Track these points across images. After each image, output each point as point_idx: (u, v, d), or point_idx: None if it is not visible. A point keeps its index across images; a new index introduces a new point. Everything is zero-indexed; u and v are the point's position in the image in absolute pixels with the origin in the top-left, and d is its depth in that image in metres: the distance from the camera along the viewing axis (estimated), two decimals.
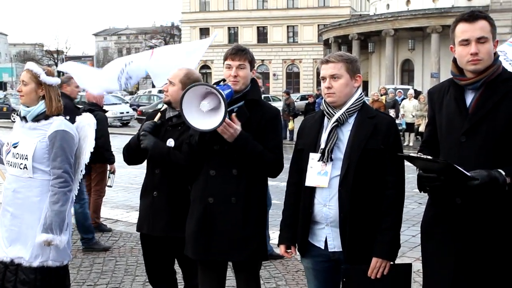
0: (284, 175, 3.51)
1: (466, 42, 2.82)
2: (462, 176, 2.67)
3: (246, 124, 3.45)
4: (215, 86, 3.30)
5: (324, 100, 3.25)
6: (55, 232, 3.54)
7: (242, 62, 3.50)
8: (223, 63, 3.60)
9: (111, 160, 7.54)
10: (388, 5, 46.94)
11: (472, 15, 2.84)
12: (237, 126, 3.35)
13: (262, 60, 59.24)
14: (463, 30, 2.84)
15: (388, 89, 23.90)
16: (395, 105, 20.25)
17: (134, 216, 8.20)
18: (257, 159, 3.43)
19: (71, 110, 6.25)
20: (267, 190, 3.74)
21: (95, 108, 7.27)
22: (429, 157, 2.81)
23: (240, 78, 3.49)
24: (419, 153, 2.88)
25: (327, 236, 3.16)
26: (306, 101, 26.18)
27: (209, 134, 3.34)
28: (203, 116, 3.25)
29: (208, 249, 3.47)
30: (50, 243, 3.55)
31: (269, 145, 3.49)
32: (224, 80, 3.54)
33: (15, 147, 3.67)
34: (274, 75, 60.36)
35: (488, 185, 2.66)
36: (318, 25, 56.20)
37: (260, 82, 8.87)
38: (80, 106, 7.47)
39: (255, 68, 3.69)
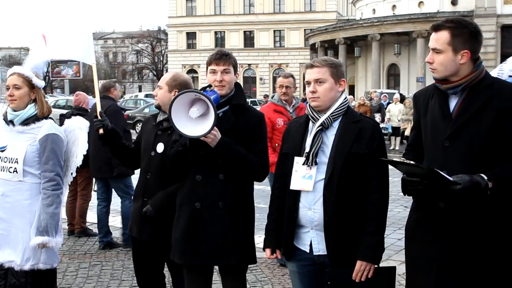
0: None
1: (432, 51, 2.95)
2: (444, 181, 2.71)
3: (232, 129, 3.45)
4: (204, 93, 3.30)
5: (309, 105, 3.27)
6: (51, 234, 3.57)
7: (226, 67, 3.51)
8: (207, 68, 3.60)
9: None
10: (374, 9, 47.21)
11: (435, 26, 2.93)
12: (217, 132, 3.35)
13: (249, 65, 59.31)
14: (430, 39, 2.96)
15: (374, 92, 24.04)
16: (381, 109, 20.36)
17: (119, 221, 8.15)
18: (241, 163, 3.44)
19: (117, 112, 6.86)
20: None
21: (83, 112, 7.26)
22: (412, 162, 2.84)
23: (225, 83, 3.50)
24: (402, 158, 2.91)
25: (312, 239, 3.17)
26: None
27: (197, 140, 3.35)
28: (192, 122, 3.26)
29: (196, 253, 3.47)
30: (45, 245, 3.57)
31: (254, 149, 3.50)
32: (210, 86, 3.55)
33: (2, 151, 3.66)
34: (260, 79, 60.42)
35: (470, 190, 2.69)
36: (305, 29, 56.38)
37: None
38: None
39: (241, 72, 3.70)
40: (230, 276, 3.61)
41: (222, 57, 3.53)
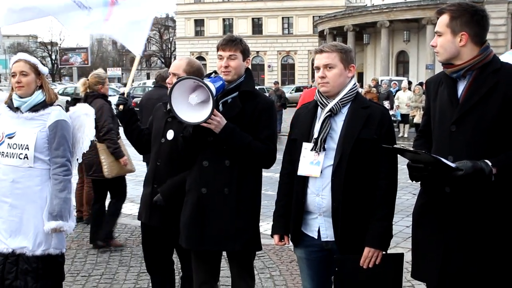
0: (278, 166, 3.51)
1: (436, 34, 2.98)
2: (446, 167, 2.70)
3: (239, 116, 3.45)
4: (203, 79, 3.30)
5: (318, 90, 3.25)
6: (65, 218, 3.64)
7: (233, 53, 3.49)
8: (217, 53, 3.59)
9: None
10: None
11: (439, 11, 2.97)
12: (221, 118, 3.35)
13: (257, 52, 59.16)
14: (437, 23, 2.99)
15: (382, 80, 23.86)
16: (389, 96, 20.24)
17: (128, 208, 8.19)
18: (245, 150, 3.43)
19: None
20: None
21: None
22: (412, 149, 2.84)
23: (231, 69, 3.48)
24: (402, 145, 2.90)
25: (320, 226, 3.17)
26: (301, 93, 25.91)
27: (202, 126, 3.34)
28: (192, 109, 3.26)
29: (201, 239, 3.48)
30: (59, 230, 3.63)
31: (261, 136, 3.49)
32: (215, 72, 3.53)
33: (10, 138, 3.67)
34: (269, 66, 60.32)
35: (473, 176, 2.69)
36: (313, 16, 56.10)
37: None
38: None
39: (249, 61, 3.67)
40: (237, 262, 3.62)
41: (228, 43, 3.50)
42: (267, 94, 20.83)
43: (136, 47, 4.40)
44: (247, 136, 3.43)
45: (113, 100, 5.16)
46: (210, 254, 3.63)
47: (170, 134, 3.86)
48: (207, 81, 3.30)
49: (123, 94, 4.08)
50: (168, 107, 3.92)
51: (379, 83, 23.14)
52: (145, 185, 4.05)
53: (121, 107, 4.03)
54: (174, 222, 3.71)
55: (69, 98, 7.33)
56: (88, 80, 6.59)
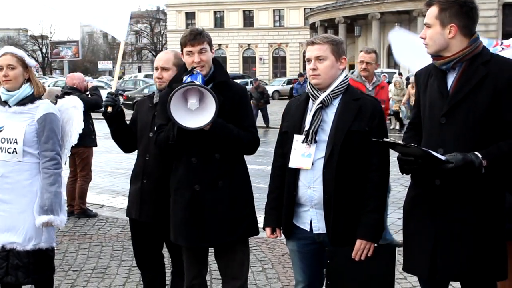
0: (270, 159, 3.50)
1: (425, 26, 2.97)
2: (436, 160, 2.70)
3: (220, 107, 3.37)
4: (197, 83, 3.22)
5: (309, 82, 3.23)
6: (56, 212, 3.61)
7: (202, 46, 3.44)
8: (181, 50, 3.51)
9: (94, 144, 7.57)
10: None
11: (427, 2, 2.95)
12: None
13: (249, 44, 59.06)
14: (426, 15, 2.97)
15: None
16: None
17: (120, 202, 8.19)
18: (235, 141, 3.42)
19: None
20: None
21: (74, 92, 7.22)
22: (401, 142, 2.84)
23: (204, 63, 3.44)
24: (392, 139, 2.89)
25: (312, 218, 3.16)
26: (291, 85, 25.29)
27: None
28: (191, 114, 3.22)
29: (201, 235, 3.46)
30: (50, 224, 3.61)
31: (244, 124, 3.49)
32: (193, 68, 3.42)
33: None
34: (260, 59, 60.21)
35: (463, 168, 2.69)
36: (305, 8, 56.03)
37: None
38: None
39: (240, 52, 3.64)
40: (235, 249, 3.58)
41: (196, 37, 3.44)
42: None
43: (119, 32, 4.32)
44: (235, 127, 3.42)
45: (103, 93, 5.10)
46: (202, 248, 3.62)
47: None
48: (196, 81, 3.25)
49: (111, 93, 3.87)
50: (155, 101, 3.88)
51: None
52: (133, 180, 4.00)
53: (109, 108, 3.83)
54: (164, 216, 3.69)
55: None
56: None
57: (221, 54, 57.50)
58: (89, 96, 7.59)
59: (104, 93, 4.82)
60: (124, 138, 4.05)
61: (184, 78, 3.33)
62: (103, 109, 3.90)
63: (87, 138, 7.24)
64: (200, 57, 3.43)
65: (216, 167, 3.45)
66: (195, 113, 3.22)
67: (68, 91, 7.36)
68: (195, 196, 3.46)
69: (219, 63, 3.63)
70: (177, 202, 3.54)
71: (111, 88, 4.00)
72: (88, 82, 8.03)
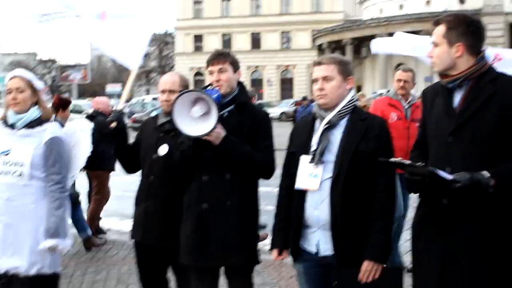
0: (277, 180, 3.48)
1: (433, 45, 2.97)
2: (443, 180, 2.68)
3: (238, 128, 3.44)
4: (204, 91, 3.28)
5: (316, 102, 3.22)
6: (61, 236, 3.57)
7: (221, 66, 3.50)
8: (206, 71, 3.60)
9: (113, 168, 7.50)
10: (381, 9, 47.15)
11: (435, 21, 2.96)
12: (221, 130, 3.34)
13: (256, 66, 59.34)
14: (433, 33, 2.98)
15: (382, 93, 23.80)
16: None
17: (127, 225, 8.09)
18: (246, 161, 3.42)
19: None
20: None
21: (99, 116, 7.30)
22: (408, 162, 2.81)
23: (223, 82, 3.48)
24: (400, 158, 2.86)
25: (319, 240, 3.12)
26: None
27: (201, 140, 3.32)
28: (194, 122, 3.25)
29: (205, 254, 3.44)
30: (55, 249, 3.56)
31: (259, 147, 3.48)
32: (210, 84, 3.53)
33: (6, 155, 3.62)
34: (268, 81, 60.45)
35: (471, 188, 2.66)
36: (312, 30, 56.35)
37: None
38: None
39: (248, 74, 3.65)
40: (237, 277, 3.58)
41: (216, 57, 3.52)
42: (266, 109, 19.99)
43: (132, 61, 4.34)
44: (247, 147, 3.42)
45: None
46: (211, 271, 3.58)
47: (163, 150, 3.80)
48: (213, 96, 3.29)
49: (116, 111, 3.95)
50: (159, 122, 3.89)
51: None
52: (138, 202, 3.99)
53: (113, 124, 3.89)
54: (169, 237, 3.66)
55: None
56: None
57: None
58: None
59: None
60: (127, 157, 4.05)
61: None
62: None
63: (107, 162, 7.24)
64: (219, 76, 3.48)
65: (226, 186, 3.44)
66: (198, 122, 3.24)
67: (93, 114, 7.38)
68: (202, 215, 3.45)
69: (243, 86, 3.66)
70: (186, 219, 3.54)
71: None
72: (112, 106, 8.14)
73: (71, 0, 4.38)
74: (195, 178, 3.51)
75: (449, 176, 2.68)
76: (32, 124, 3.66)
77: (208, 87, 3.48)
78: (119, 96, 63.63)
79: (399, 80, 6.08)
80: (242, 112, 3.49)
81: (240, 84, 3.62)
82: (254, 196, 3.59)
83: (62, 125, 4.09)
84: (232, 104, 3.50)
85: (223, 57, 3.53)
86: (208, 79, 3.58)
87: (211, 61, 3.53)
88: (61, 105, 6.84)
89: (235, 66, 3.57)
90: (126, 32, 4.34)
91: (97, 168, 7.14)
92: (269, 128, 3.62)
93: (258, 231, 3.62)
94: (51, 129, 3.69)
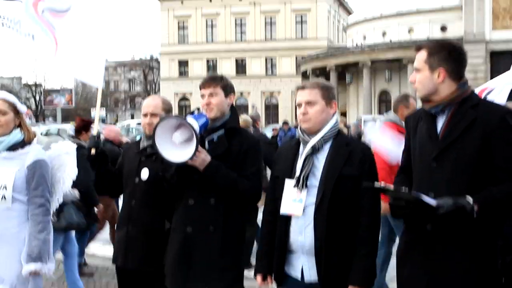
0: (262, 205, 3.47)
1: (414, 70, 3.01)
2: (427, 205, 2.69)
3: (226, 153, 3.44)
4: (185, 118, 3.30)
5: (300, 127, 3.23)
6: (44, 260, 3.52)
7: (212, 90, 3.51)
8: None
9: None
10: (364, 36, 47.76)
11: (417, 47, 3.00)
12: (206, 155, 3.34)
13: (241, 93, 59.55)
14: (415, 59, 3.01)
15: (364, 120, 23.86)
16: (360, 137, 20.16)
17: (110, 250, 8.03)
18: (230, 187, 3.41)
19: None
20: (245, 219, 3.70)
21: (106, 144, 7.45)
22: (392, 187, 2.82)
23: (213, 106, 3.49)
24: (382, 183, 2.88)
25: (303, 265, 3.10)
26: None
27: (184, 165, 3.32)
28: (176, 147, 3.25)
29: (186, 278, 3.43)
30: (38, 272, 3.51)
31: (246, 173, 3.47)
32: (198, 109, 3.54)
33: None
34: (252, 107, 60.60)
35: (454, 213, 2.67)
36: (296, 57, 56.82)
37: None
38: None
39: (233, 97, 3.65)
40: None
41: (208, 81, 3.55)
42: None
43: (95, 80, 4.33)
44: (233, 173, 3.41)
45: None
46: None
47: (144, 174, 3.79)
48: (190, 118, 3.30)
49: (93, 136, 3.95)
50: (141, 146, 3.89)
51: (348, 124, 22.90)
52: (119, 226, 3.97)
53: (93, 150, 3.89)
54: (151, 262, 3.63)
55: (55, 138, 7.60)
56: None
57: None
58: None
59: None
60: (108, 181, 4.04)
61: (187, 117, 3.37)
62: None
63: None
64: (209, 100, 3.49)
65: (210, 211, 3.43)
66: (180, 148, 3.24)
67: (101, 141, 7.44)
68: (186, 238, 3.44)
69: (235, 111, 3.66)
70: (171, 242, 3.53)
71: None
72: (122, 136, 8.63)
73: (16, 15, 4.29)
74: (182, 201, 3.51)
75: (433, 202, 2.68)
76: (14, 147, 3.64)
77: (195, 111, 3.49)
78: (103, 120, 63.13)
79: (407, 108, 5.93)
80: (232, 137, 3.50)
81: (232, 108, 3.62)
82: (240, 222, 3.56)
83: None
84: (222, 128, 3.50)
85: (215, 81, 3.54)
86: (193, 103, 3.60)
87: (203, 85, 3.56)
88: (84, 127, 6.86)
89: (227, 90, 3.58)
90: (81, 49, 4.30)
91: (101, 193, 7.09)
92: (257, 154, 3.61)
93: (242, 258, 3.59)
94: (34, 152, 3.67)
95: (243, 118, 7.55)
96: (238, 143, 3.50)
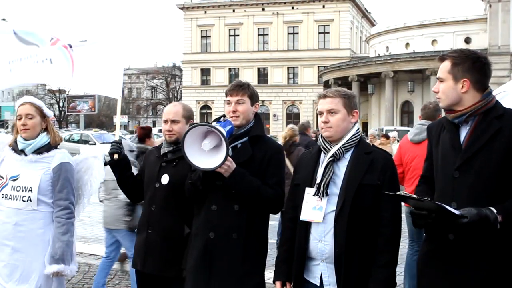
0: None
1: (438, 80, 3.00)
2: (450, 215, 2.67)
3: (249, 161, 3.45)
4: (215, 125, 3.31)
5: (321, 135, 3.25)
6: (66, 262, 3.60)
7: (240, 97, 3.52)
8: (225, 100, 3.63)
9: None
10: (387, 47, 47.57)
11: (440, 57, 2.99)
12: (231, 162, 3.35)
13: (263, 101, 59.61)
14: (439, 69, 2.99)
15: (388, 130, 23.70)
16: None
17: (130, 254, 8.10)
18: (254, 194, 3.41)
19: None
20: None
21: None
22: (415, 196, 2.82)
23: (239, 113, 3.51)
24: (405, 192, 2.87)
25: (322, 272, 3.11)
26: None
27: (211, 171, 3.33)
28: (205, 155, 3.27)
29: (208, 284, 3.44)
30: (60, 274, 3.59)
31: (270, 181, 3.48)
32: (224, 116, 3.55)
33: (14, 180, 3.67)
34: (274, 115, 60.70)
35: (478, 223, 2.65)
36: (318, 66, 56.82)
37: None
38: None
39: (258, 106, 3.67)
40: None
41: (236, 88, 3.55)
42: None
43: (113, 91, 4.37)
44: (257, 181, 3.42)
45: None
46: None
47: (165, 179, 3.82)
48: (217, 125, 3.32)
49: (115, 142, 3.94)
50: (162, 151, 3.92)
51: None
52: (139, 231, 4.00)
53: (116, 155, 3.90)
54: (169, 268, 3.66)
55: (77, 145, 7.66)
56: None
57: None
58: None
59: None
60: (129, 186, 4.07)
61: (213, 124, 3.39)
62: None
63: None
64: (236, 107, 3.51)
65: (234, 218, 3.44)
66: (208, 155, 3.26)
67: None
68: (208, 244, 3.45)
69: (259, 119, 3.67)
70: (192, 248, 3.54)
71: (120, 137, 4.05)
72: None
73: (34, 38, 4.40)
74: (204, 207, 3.52)
75: (456, 211, 2.67)
76: (40, 150, 3.72)
77: (221, 119, 3.51)
78: (125, 127, 63.56)
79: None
80: (255, 145, 3.51)
81: (256, 116, 3.64)
82: (262, 230, 3.57)
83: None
84: (246, 135, 3.52)
85: (242, 89, 3.55)
86: (215, 111, 3.60)
87: (230, 91, 3.56)
88: (146, 135, 6.97)
89: (254, 99, 3.60)
90: (96, 63, 4.34)
91: None
92: (281, 162, 3.63)
93: (264, 265, 3.59)
94: (59, 155, 3.74)
95: (290, 127, 8.17)
96: (262, 150, 3.52)
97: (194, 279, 3.49)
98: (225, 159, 3.21)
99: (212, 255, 3.44)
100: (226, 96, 3.60)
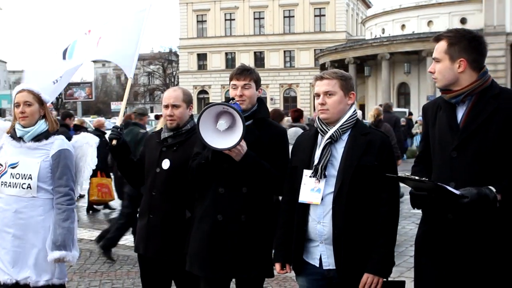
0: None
1: (433, 60, 2.99)
2: (451, 195, 2.69)
3: (256, 143, 3.46)
4: (231, 105, 3.30)
5: (318, 117, 3.26)
6: (68, 248, 3.63)
7: (247, 82, 3.54)
8: (229, 84, 3.62)
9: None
10: (383, 29, 47.37)
11: (436, 37, 2.98)
12: (242, 145, 3.35)
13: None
14: (434, 49, 2.98)
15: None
16: (396, 123, 19.97)
17: (131, 239, 8.14)
18: (265, 177, 3.45)
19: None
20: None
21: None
22: (416, 177, 2.83)
23: (246, 97, 3.53)
24: (405, 174, 2.89)
25: (322, 253, 3.14)
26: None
27: (220, 153, 3.34)
28: (219, 135, 3.28)
29: (217, 266, 3.47)
30: (62, 260, 3.62)
31: (277, 163, 3.50)
32: (232, 99, 3.54)
33: (13, 168, 3.67)
34: (271, 99, 60.56)
35: (478, 202, 2.67)
36: (315, 49, 56.56)
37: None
38: None
39: (261, 90, 3.70)
40: (249, 286, 3.59)
41: (243, 72, 3.56)
42: None
43: (127, 69, 4.38)
44: (266, 163, 3.45)
45: None
46: (221, 281, 3.58)
47: (165, 164, 3.83)
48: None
49: (116, 127, 3.93)
50: (162, 136, 3.93)
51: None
52: (140, 216, 4.02)
53: (114, 141, 3.90)
54: (171, 252, 3.69)
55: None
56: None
57: None
58: None
59: None
60: (130, 171, 4.08)
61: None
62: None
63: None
64: (243, 92, 3.52)
65: (242, 200, 3.46)
66: (223, 136, 3.27)
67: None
68: (216, 226, 3.47)
69: (263, 102, 3.69)
70: (199, 230, 3.55)
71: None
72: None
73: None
74: (210, 190, 3.53)
75: (456, 191, 2.69)
76: (39, 137, 3.72)
77: (231, 101, 3.49)
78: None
79: None
80: (260, 128, 3.54)
81: (260, 100, 3.66)
82: (269, 210, 3.58)
83: None
84: (250, 119, 3.54)
85: (250, 73, 3.57)
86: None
87: (236, 76, 3.56)
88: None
89: (258, 83, 3.63)
90: (120, 38, 4.40)
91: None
92: (286, 145, 3.66)
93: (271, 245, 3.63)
94: (58, 142, 3.74)
95: (375, 107, 9.90)
96: (267, 133, 3.54)
97: (202, 261, 3.50)
98: (241, 139, 3.22)
99: (221, 238, 3.46)
100: (231, 79, 3.59)
